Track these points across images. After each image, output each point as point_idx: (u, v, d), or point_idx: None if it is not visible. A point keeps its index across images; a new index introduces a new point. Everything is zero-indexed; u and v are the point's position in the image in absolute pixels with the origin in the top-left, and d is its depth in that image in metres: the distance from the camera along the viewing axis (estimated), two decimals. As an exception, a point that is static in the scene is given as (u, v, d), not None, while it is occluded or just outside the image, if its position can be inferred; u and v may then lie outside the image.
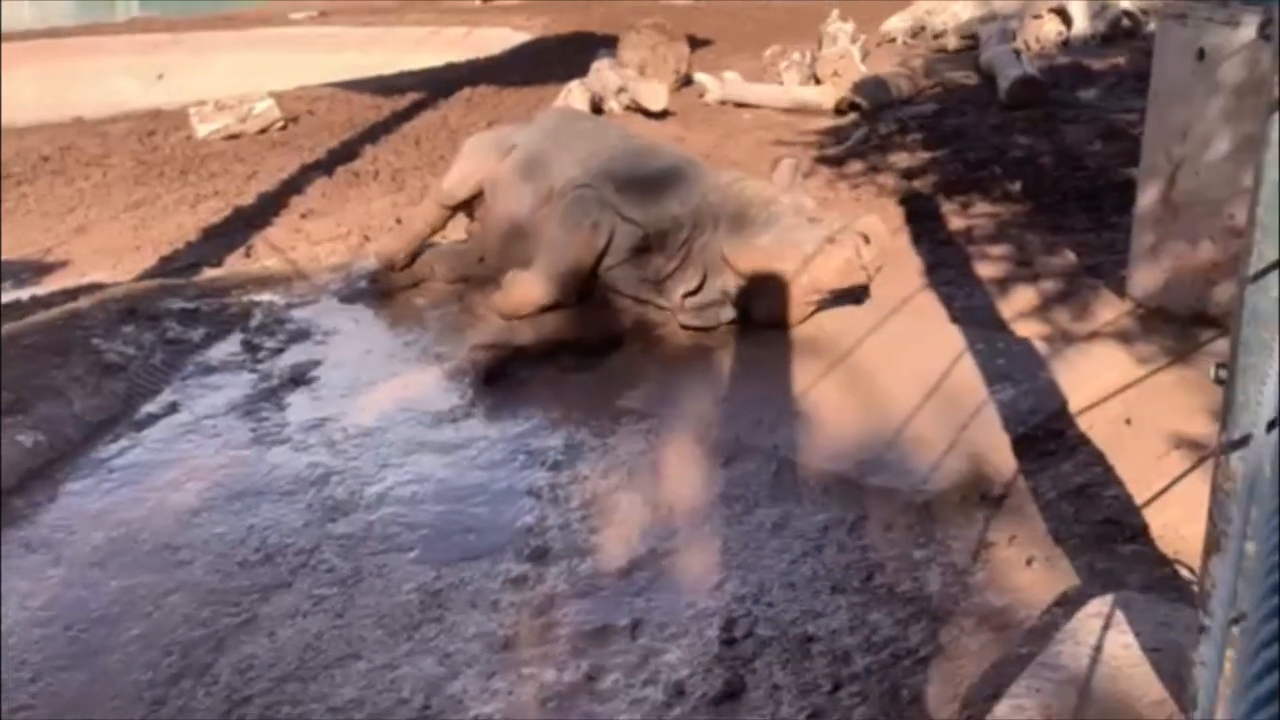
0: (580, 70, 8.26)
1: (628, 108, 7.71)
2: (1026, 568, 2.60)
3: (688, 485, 3.09)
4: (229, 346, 4.14)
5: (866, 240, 3.66)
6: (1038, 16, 9.22)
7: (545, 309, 4.00)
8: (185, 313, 4.33)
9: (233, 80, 9.31)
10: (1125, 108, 6.60)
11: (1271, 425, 1.44)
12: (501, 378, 3.74)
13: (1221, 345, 3.33)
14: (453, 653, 2.49)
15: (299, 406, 3.69)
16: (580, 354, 3.89)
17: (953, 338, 3.69)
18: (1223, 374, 1.65)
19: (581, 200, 3.97)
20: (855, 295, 3.91)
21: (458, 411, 3.58)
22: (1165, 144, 3.64)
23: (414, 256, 4.68)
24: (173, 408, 3.69)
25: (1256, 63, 3.27)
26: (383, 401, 3.67)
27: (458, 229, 5.01)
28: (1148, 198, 3.74)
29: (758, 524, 2.90)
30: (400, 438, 3.44)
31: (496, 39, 13.18)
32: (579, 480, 3.15)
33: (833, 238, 3.69)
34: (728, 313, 3.94)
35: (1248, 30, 3.30)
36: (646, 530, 2.91)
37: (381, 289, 4.59)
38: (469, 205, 4.67)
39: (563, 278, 3.96)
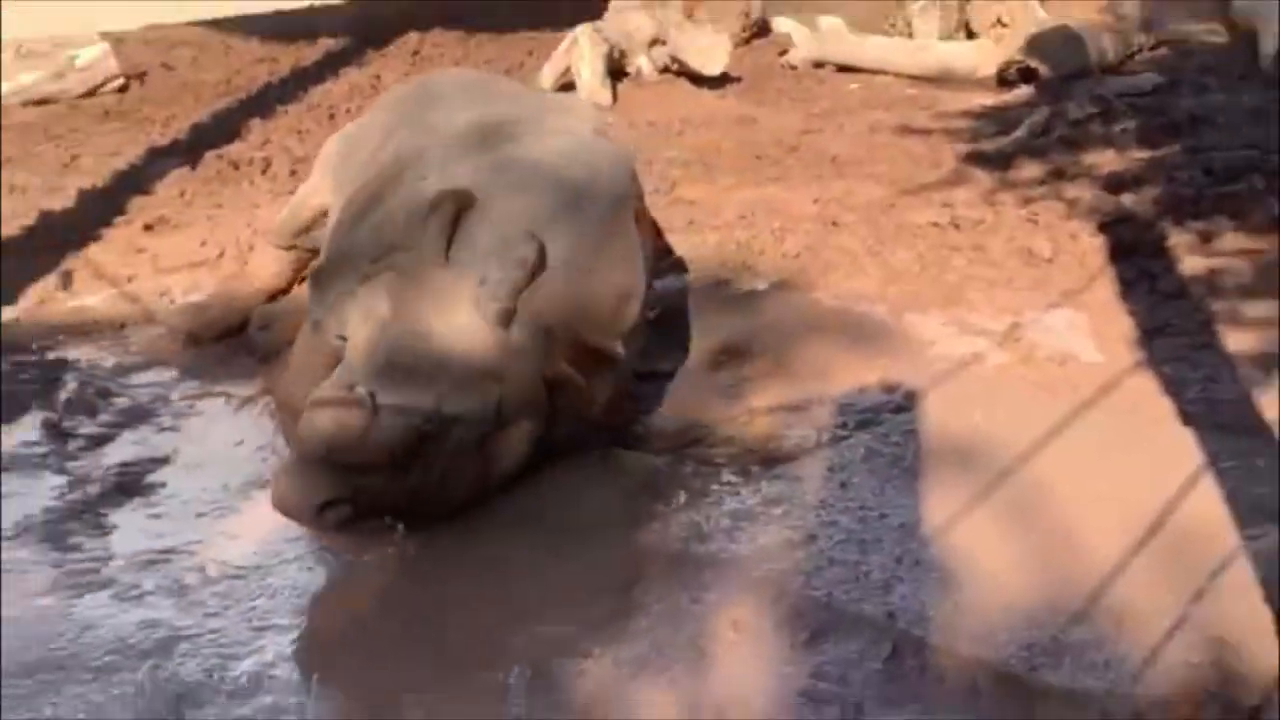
0: (592, 9, 8.33)
1: (666, 69, 7.79)
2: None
3: (750, 674, 3.06)
4: (23, 433, 4.16)
5: None
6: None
7: None
8: (-46, 379, 4.38)
9: (47, 16, 9.45)
10: None
11: None
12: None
13: None
14: None
15: (130, 530, 3.70)
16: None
17: (1183, 447, 3.72)
18: None
19: None
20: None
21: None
22: None
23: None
24: (-71, 531, 3.71)
25: None
26: (262, 524, 3.67)
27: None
28: None
29: (861, 743, 2.88)
30: (288, 582, 3.44)
31: (462, -43, 13.42)
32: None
33: None
34: None
35: None
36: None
37: (264, 344, 4.61)
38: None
39: None
